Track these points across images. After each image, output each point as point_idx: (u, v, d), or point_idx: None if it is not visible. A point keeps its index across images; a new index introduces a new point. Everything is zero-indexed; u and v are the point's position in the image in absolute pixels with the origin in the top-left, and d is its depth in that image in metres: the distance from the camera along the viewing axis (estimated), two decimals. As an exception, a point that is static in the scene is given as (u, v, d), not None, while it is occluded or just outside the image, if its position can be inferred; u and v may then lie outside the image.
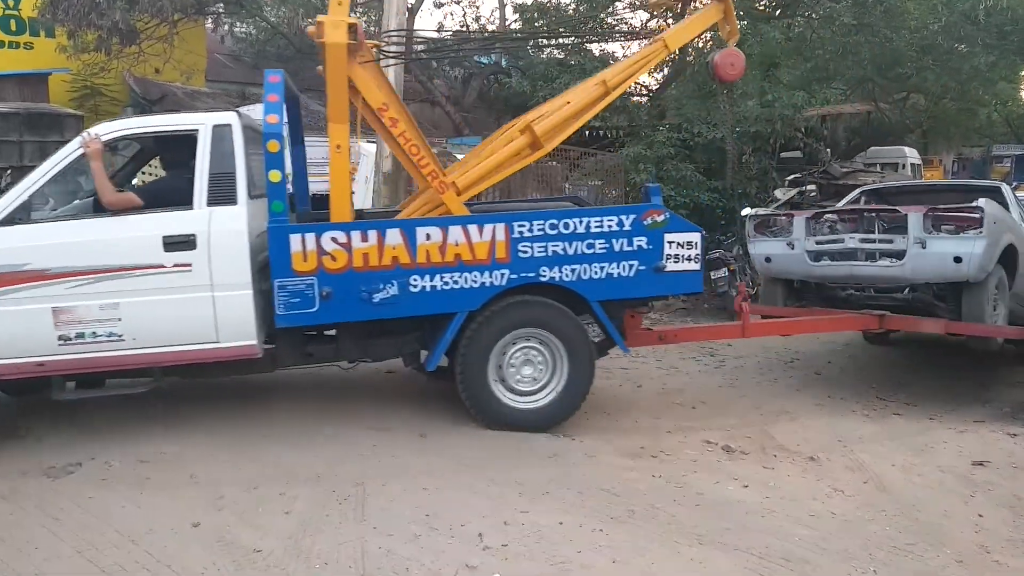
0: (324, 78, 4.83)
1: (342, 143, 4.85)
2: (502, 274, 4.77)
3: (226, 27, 20.56)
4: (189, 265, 4.43)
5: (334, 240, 4.61)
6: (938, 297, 6.14)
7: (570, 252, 4.80)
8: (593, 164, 10.97)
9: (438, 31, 24.66)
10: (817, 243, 6.23)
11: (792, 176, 12.82)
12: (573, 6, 13.37)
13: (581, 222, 4.78)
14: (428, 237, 4.70)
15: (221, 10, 18.84)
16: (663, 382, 6.71)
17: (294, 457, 4.47)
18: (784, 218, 6.58)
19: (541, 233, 4.77)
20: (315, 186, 13.90)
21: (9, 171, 12.82)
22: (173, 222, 4.46)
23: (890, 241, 5.90)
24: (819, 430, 5.35)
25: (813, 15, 13.14)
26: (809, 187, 12.20)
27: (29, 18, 17.93)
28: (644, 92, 15.37)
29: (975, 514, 4.11)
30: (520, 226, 4.75)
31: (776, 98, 11.81)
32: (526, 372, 4.98)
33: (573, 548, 3.54)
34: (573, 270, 4.82)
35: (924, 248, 5.68)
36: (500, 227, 4.74)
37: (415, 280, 4.71)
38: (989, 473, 4.65)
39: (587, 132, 13.00)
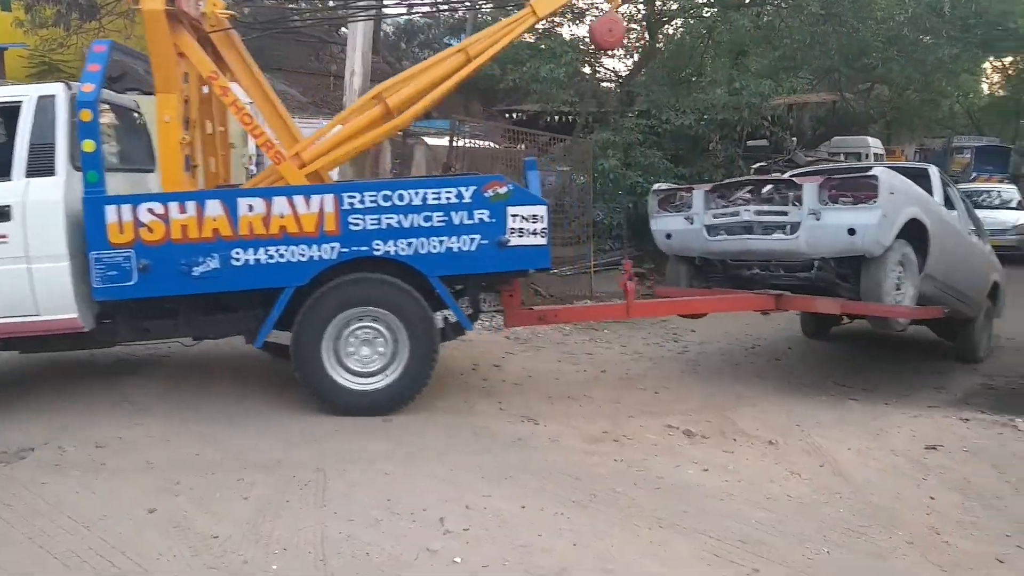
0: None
1: (171, 114, 4.75)
2: (332, 247, 4.59)
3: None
4: (5, 236, 4.34)
5: (151, 211, 4.47)
6: (841, 276, 5.81)
7: (406, 225, 4.61)
8: (562, 149, 10.94)
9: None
10: (715, 217, 5.98)
11: (758, 164, 12.96)
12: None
13: (417, 194, 4.60)
14: (251, 208, 4.52)
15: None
16: (626, 368, 6.75)
17: (253, 442, 4.43)
18: (686, 192, 6.32)
19: (374, 205, 4.58)
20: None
21: None
22: None
23: (784, 213, 5.65)
24: (778, 415, 5.42)
25: (782, 4, 13.22)
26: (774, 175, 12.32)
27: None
28: (614, 78, 15.37)
29: (927, 497, 4.20)
30: (351, 197, 4.57)
31: (744, 86, 11.89)
32: (365, 353, 4.80)
33: (534, 532, 3.55)
34: (410, 244, 4.62)
35: (819, 220, 5.42)
36: (329, 198, 4.56)
37: (238, 253, 4.54)
38: (941, 457, 4.75)
39: (558, 117, 13.00)
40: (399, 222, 4.61)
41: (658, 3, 14.17)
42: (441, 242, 4.64)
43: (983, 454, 4.78)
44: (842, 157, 17.16)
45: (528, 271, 4.96)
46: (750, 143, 13.58)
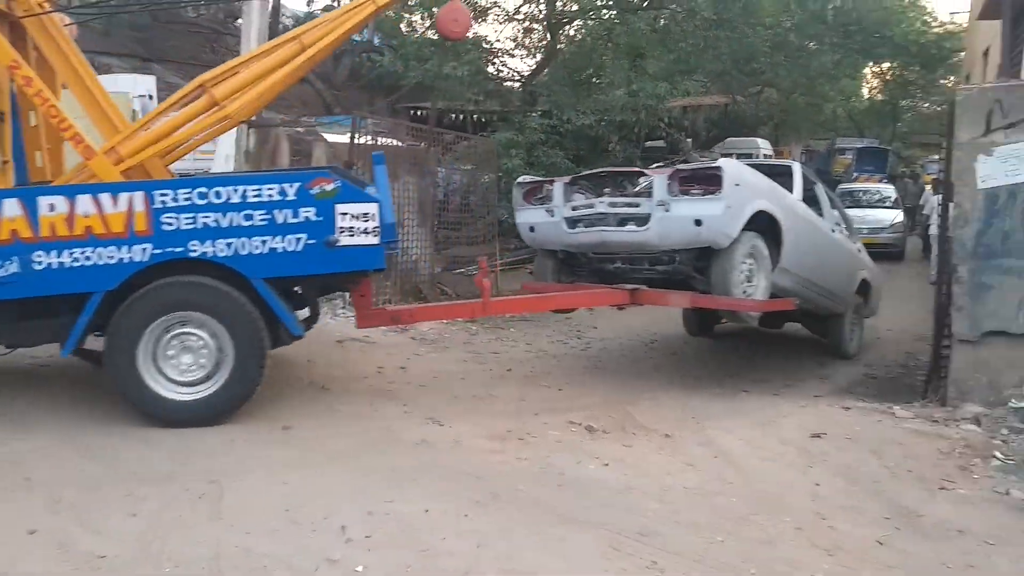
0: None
1: None
2: (144, 249, 4.32)
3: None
4: None
5: None
6: (698, 270, 5.85)
7: (224, 224, 4.35)
8: (466, 148, 10.95)
9: None
10: (573, 209, 5.96)
11: (655, 164, 13.33)
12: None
13: (236, 191, 4.35)
14: (52, 208, 4.23)
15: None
16: (531, 365, 6.83)
17: (142, 455, 4.23)
18: (548, 185, 6.27)
19: (188, 203, 4.31)
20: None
21: None
22: None
23: (636, 205, 5.64)
24: (674, 408, 5.62)
25: (677, 8, 13.66)
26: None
27: None
28: (517, 78, 15.50)
29: (812, 484, 4.43)
30: (162, 195, 4.30)
31: (641, 88, 12.22)
32: (187, 360, 4.51)
33: (438, 535, 3.55)
34: (229, 244, 4.37)
35: (668, 211, 5.45)
36: (139, 196, 4.29)
37: (39, 256, 4.24)
38: (825, 444, 5.02)
39: (462, 116, 13.00)
40: (217, 221, 4.35)
41: (559, 4, 14.39)
42: (264, 242, 4.38)
43: (864, 441, 5.08)
44: (734, 157, 17.88)
45: (364, 272, 4.75)
46: (648, 144, 13.98)
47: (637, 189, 5.92)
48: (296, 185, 4.39)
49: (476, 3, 14.21)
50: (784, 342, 8.09)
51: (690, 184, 5.56)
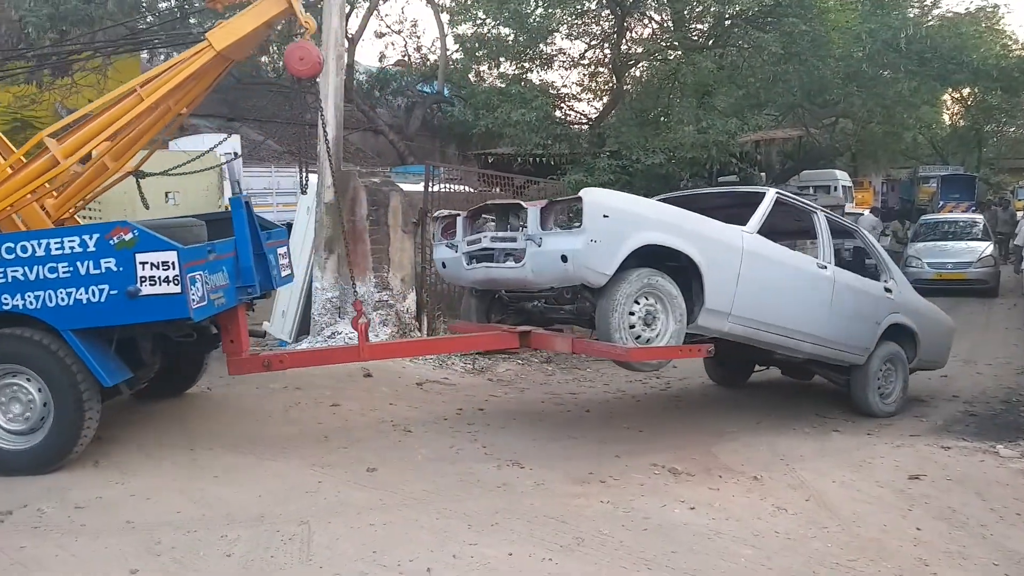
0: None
1: None
2: None
3: (162, 58, 20.24)
4: None
5: None
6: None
7: (32, 277, 4.39)
8: (536, 192, 11.06)
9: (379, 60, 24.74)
10: (468, 244, 5.61)
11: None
12: (512, 36, 13.56)
13: (40, 244, 4.39)
14: None
15: (157, 42, 18.56)
16: (610, 406, 6.76)
17: (235, 496, 4.36)
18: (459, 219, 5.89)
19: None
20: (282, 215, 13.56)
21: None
22: None
23: (513, 239, 5.27)
24: (761, 449, 5.45)
25: (743, 45, 13.60)
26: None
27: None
28: (584, 120, 15.65)
29: (913, 528, 4.22)
30: None
31: (710, 125, 12.15)
32: (17, 409, 4.56)
33: (523, 579, 3.52)
34: (38, 297, 4.40)
35: (539, 247, 5.00)
36: None
37: None
38: (925, 487, 4.79)
39: (532, 160, 13.18)
40: (25, 274, 4.40)
41: (624, 47, 14.53)
42: (69, 294, 4.39)
43: (967, 482, 4.83)
44: (811, 190, 17.51)
45: (172, 321, 4.59)
46: (720, 179, 13.84)
47: (522, 223, 5.42)
48: (96, 236, 4.39)
49: (542, 51, 14.50)
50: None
51: (561, 216, 5.17)
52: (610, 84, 15.29)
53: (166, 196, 11.40)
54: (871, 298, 6.45)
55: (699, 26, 14.58)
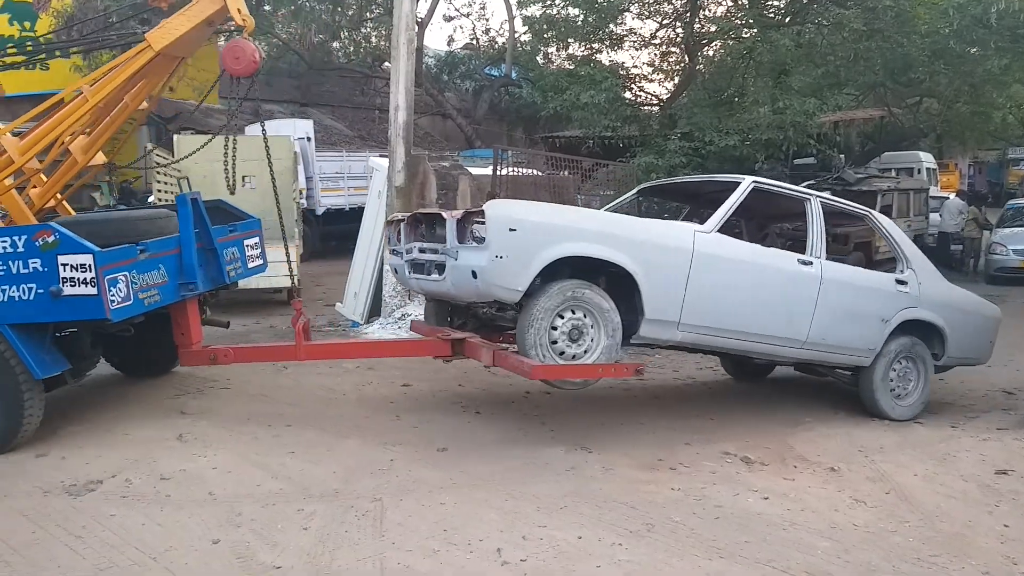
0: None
1: None
2: None
3: (221, 41, 20.82)
4: None
5: None
6: None
7: None
8: (605, 175, 10.97)
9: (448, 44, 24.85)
10: (407, 252, 5.45)
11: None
12: (582, 17, 13.41)
13: None
14: None
15: (232, 28, 19.05)
16: (680, 393, 6.67)
17: (311, 472, 4.49)
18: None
19: None
20: (329, 200, 13.97)
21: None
22: None
23: (435, 251, 5.07)
24: (838, 440, 5.29)
25: (823, 22, 13.12)
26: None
27: (46, 40, 18.21)
28: (655, 102, 15.39)
29: (1000, 524, 4.05)
30: None
31: (788, 105, 11.79)
32: None
33: (592, 563, 3.52)
34: None
35: (456, 260, 4.78)
36: None
37: None
38: (1013, 482, 4.58)
39: (600, 142, 13.07)
40: None
41: (696, 26, 14.20)
42: (4, 291, 4.55)
43: (1058, 478, 4.59)
44: (893, 172, 16.81)
45: (92, 321, 4.70)
46: (797, 162, 13.43)
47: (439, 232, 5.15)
48: (24, 237, 4.53)
49: (612, 32, 14.30)
50: (966, 369, 7.42)
51: (473, 230, 4.79)
52: (682, 64, 14.98)
53: (243, 180, 11.73)
54: (875, 293, 5.79)
55: (776, 3, 14.15)
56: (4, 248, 4.54)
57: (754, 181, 5.56)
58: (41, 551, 3.57)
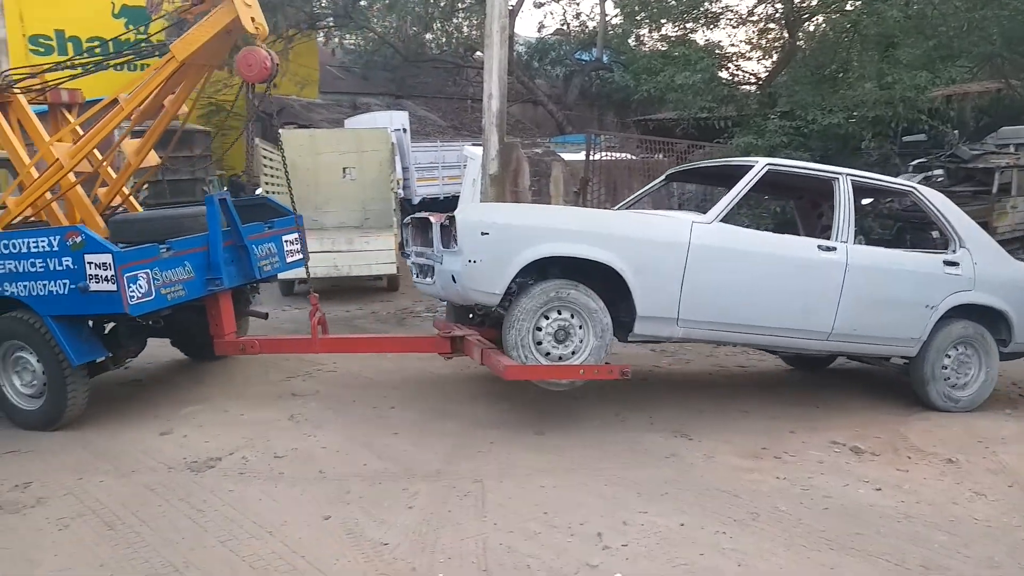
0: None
1: None
2: None
3: (336, 40, 21.40)
4: None
5: None
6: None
7: (21, 269, 5.02)
8: (701, 156, 10.72)
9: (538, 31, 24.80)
10: (413, 255, 5.56)
11: (917, 161, 12.12)
12: (676, -4, 13.10)
13: (24, 242, 4.98)
14: None
15: (331, 24, 19.61)
16: (782, 380, 6.48)
17: (415, 453, 4.61)
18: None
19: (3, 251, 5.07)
20: (425, 190, 14.24)
21: (147, 185, 13.83)
22: None
23: (424, 255, 5.20)
24: (956, 429, 5.03)
25: (935, -11, 12.36)
26: (936, 172, 11.47)
27: (158, 41, 19.25)
28: (753, 80, 14.90)
29: None
30: None
31: (896, 80, 11.17)
32: (27, 378, 5.26)
33: (696, 550, 3.48)
34: (26, 287, 5.03)
35: (441, 264, 4.84)
36: None
37: None
38: None
39: (696, 123, 12.76)
40: (16, 267, 5.04)
41: (797, 0, 13.64)
42: (44, 285, 4.97)
43: None
44: (1012, 148, 15.70)
45: (114, 315, 5.06)
46: (907, 139, 12.73)
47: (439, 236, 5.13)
48: (58, 238, 4.89)
49: (707, 10, 13.91)
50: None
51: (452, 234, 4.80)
52: (782, 40, 14.42)
53: (344, 171, 12.11)
54: (917, 278, 5.34)
55: (882, -28, 13.38)
56: (43, 247, 4.96)
57: (768, 164, 5.27)
58: (167, 523, 3.81)
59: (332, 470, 4.40)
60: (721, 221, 5.01)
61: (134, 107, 5.37)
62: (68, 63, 6.05)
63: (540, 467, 4.40)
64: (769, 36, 15.37)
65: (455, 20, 21.20)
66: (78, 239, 4.86)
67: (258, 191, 12.37)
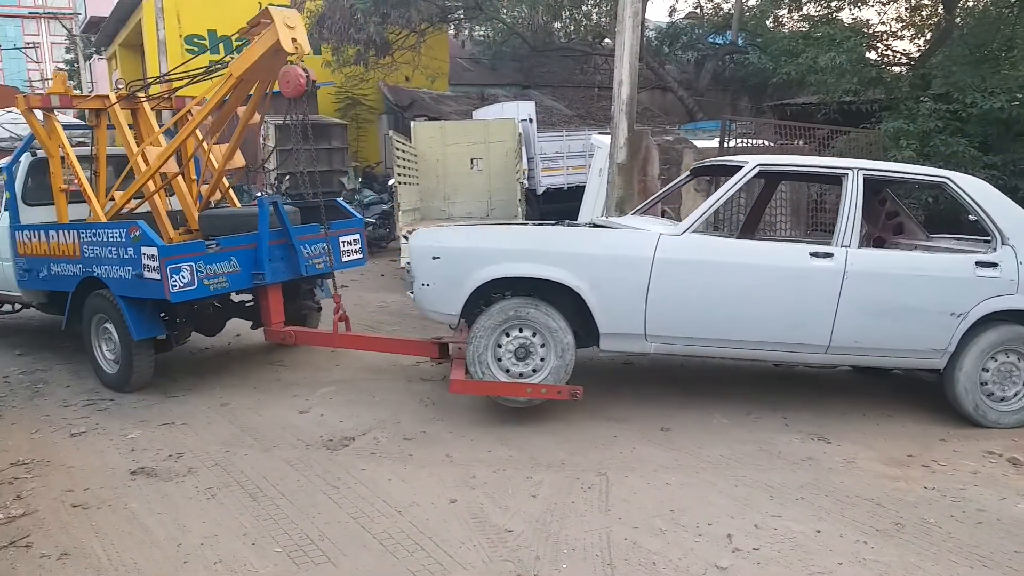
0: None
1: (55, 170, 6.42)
2: (79, 268, 6.02)
3: (466, 32, 21.74)
4: None
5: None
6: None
7: (103, 255, 5.79)
8: (845, 143, 10.09)
9: (670, 14, 24.19)
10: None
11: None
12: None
13: (106, 233, 5.74)
14: (51, 237, 6.24)
15: (461, 16, 19.94)
16: (934, 386, 6.01)
17: (539, 442, 4.62)
18: None
19: (92, 239, 5.86)
20: (549, 180, 14.21)
21: (287, 177, 14.60)
22: None
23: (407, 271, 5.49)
24: None
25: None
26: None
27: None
28: (904, 61, 13.91)
29: None
30: (83, 233, 5.92)
31: (1074, 55, 10.09)
32: (109, 346, 6.07)
33: (833, 559, 3.29)
34: (106, 269, 5.80)
35: (413, 282, 5.20)
36: (74, 233, 6.01)
37: (52, 266, 6.30)
38: None
39: (839, 108, 12.05)
40: (100, 253, 5.84)
41: (956, -27, 12.60)
42: (116, 270, 5.72)
43: None
44: None
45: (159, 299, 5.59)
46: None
47: None
48: (124, 231, 5.58)
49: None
50: None
51: None
52: (937, 17, 13.36)
53: (471, 162, 12.30)
54: (938, 282, 4.75)
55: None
56: (116, 238, 5.67)
57: (759, 164, 5.02)
58: (305, 497, 4.01)
59: (458, 454, 4.48)
60: (694, 231, 4.86)
61: (201, 118, 5.98)
62: (160, 79, 7.04)
63: (666, 464, 4.30)
64: (923, 13, 14.30)
65: (584, 7, 21.01)
66: (136, 233, 5.47)
67: (390, 182, 12.77)
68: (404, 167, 10.67)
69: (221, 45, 20.16)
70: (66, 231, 6.10)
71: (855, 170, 4.96)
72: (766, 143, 9.91)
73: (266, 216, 5.89)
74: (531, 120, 14.43)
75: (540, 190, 13.69)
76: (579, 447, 4.54)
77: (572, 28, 21.11)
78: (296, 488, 4.13)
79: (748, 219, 6.60)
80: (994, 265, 4.80)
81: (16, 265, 6.71)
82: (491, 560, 3.35)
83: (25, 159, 6.72)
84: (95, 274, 5.90)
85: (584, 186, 10.76)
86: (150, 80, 6.96)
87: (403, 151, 10.78)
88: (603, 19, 20.87)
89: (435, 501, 3.91)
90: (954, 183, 5.08)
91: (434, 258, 4.94)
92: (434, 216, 11.87)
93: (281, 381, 6.11)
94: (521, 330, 4.84)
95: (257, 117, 6.61)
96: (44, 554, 3.52)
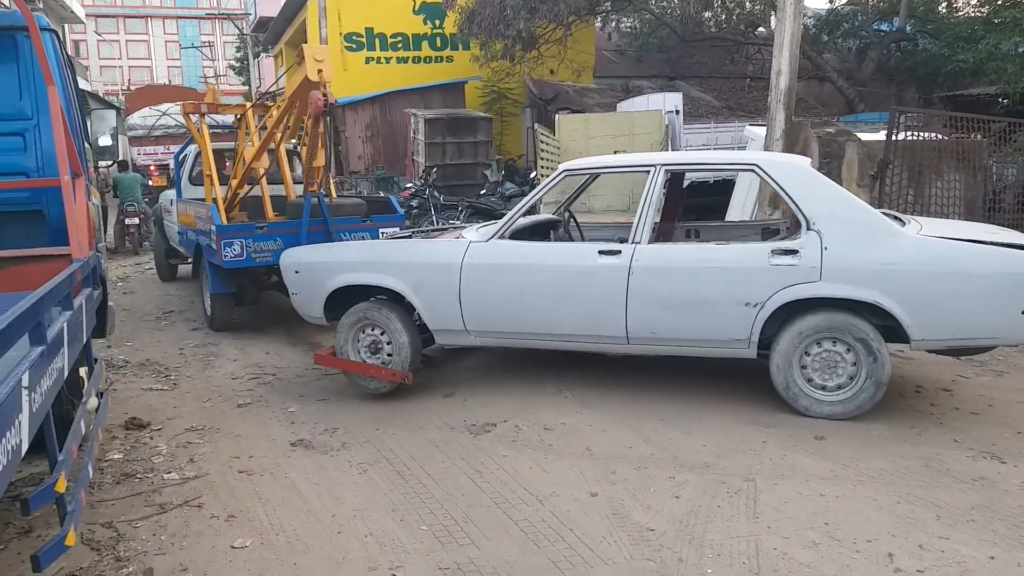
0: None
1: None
2: (196, 236, 7.83)
3: (613, 23, 21.53)
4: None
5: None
6: None
7: (201, 229, 7.56)
8: (1028, 137, 9.18)
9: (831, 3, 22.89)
10: None
11: None
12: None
13: (203, 211, 7.20)
14: (186, 209, 8.23)
15: (609, 7, 19.76)
16: None
17: (682, 442, 4.51)
18: None
19: (199, 215, 7.70)
20: (694, 173, 13.87)
21: (435, 169, 15.07)
22: None
23: None
24: None
25: None
26: None
27: (451, 35, 20.82)
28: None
29: None
30: (197, 210, 7.80)
31: None
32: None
33: (1011, 591, 3.00)
34: (202, 239, 7.50)
35: None
36: (193, 208, 7.98)
37: (188, 233, 8.23)
38: None
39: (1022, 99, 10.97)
40: (196, 232, 7.73)
41: None
42: (205, 240, 7.43)
43: None
44: None
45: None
46: None
47: None
48: (211, 212, 7.18)
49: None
50: None
51: None
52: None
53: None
54: (729, 273, 4.75)
55: None
56: (204, 217, 7.37)
57: (566, 171, 5.57)
58: (450, 480, 4.11)
59: (598, 448, 4.45)
60: (501, 238, 5.33)
61: (274, 126, 7.16)
62: (264, 95, 8.51)
63: (820, 474, 4.08)
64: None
65: (737, -4, 20.27)
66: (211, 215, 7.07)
67: (532, 175, 12.89)
68: (547, 160, 10.73)
69: (377, 41, 21.09)
70: (191, 206, 7.92)
71: (657, 166, 5.22)
72: (937, 136, 9.18)
73: (308, 208, 7.06)
74: (677, 111, 14.11)
75: (685, 183, 13.37)
76: (725, 450, 4.39)
77: (724, 17, 20.40)
78: (441, 469, 4.25)
79: (661, 224, 6.20)
80: (794, 252, 4.69)
81: (177, 228, 9.01)
82: (632, 558, 3.30)
83: (192, 149, 8.48)
84: (199, 242, 7.63)
85: (732, 180, 10.40)
86: (271, 92, 8.79)
87: (547, 144, 10.85)
88: (757, 7, 20.05)
89: (575, 493, 3.91)
90: (760, 168, 5.03)
91: (296, 272, 5.77)
92: (575, 210, 11.85)
93: (428, 366, 6.30)
94: (373, 329, 5.52)
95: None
96: (214, 515, 3.82)
